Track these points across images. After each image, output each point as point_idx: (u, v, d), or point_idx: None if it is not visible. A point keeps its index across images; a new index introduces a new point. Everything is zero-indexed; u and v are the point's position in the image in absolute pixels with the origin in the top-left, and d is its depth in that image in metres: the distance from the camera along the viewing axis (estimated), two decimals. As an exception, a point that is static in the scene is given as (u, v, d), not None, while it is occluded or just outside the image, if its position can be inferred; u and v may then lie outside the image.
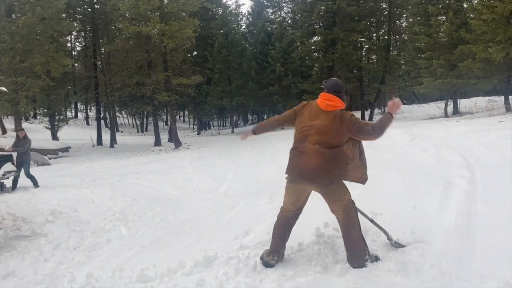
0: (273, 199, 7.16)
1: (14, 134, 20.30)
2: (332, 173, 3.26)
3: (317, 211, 5.19)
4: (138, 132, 45.09)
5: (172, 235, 5.87)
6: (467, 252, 3.43)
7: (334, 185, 3.30)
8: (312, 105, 3.53)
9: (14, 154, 10.48)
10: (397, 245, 3.72)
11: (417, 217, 4.40)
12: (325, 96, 3.44)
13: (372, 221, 3.92)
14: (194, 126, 48.93)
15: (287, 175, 3.52)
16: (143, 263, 4.33)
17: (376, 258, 3.45)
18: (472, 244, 3.57)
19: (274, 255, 3.55)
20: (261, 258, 3.63)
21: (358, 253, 3.35)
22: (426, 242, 3.71)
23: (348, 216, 3.37)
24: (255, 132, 4.04)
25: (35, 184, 10.20)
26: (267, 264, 3.54)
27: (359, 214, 3.64)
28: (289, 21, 42.28)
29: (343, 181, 3.40)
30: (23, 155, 10.37)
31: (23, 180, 11.35)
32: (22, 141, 10.46)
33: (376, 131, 3.27)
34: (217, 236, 5.23)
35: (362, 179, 3.53)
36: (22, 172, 10.23)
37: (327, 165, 3.22)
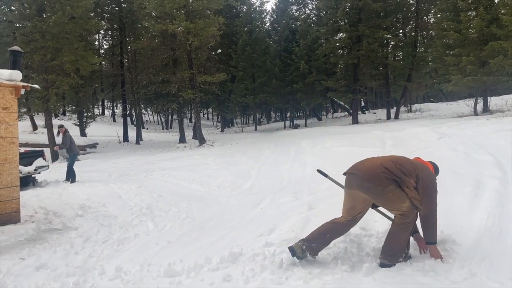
0: (297, 197, 7.15)
1: (45, 130, 20.91)
2: (386, 176, 3.28)
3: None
4: (163, 129, 45.73)
5: (198, 231, 5.94)
6: (498, 254, 3.35)
7: (386, 194, 3.26)
8: None
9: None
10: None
11: (446, 217, 4.32)
12: (422, 160, 3.74)
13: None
14: (218, 124, 49.24)
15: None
16: (170, 258, 4.41)
17: (408, 257, 3.42)
18: (503, 245, 3.49)
19: (305, 243, 3.50)
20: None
21: (395, 253, 3.32)
22: (455, 242, 3.65)
23: (404, 220, 3.32)
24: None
25: (69, 178, 10.57)
26: (292, 249, 3.50)
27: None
28: (313, 18, 41.95)
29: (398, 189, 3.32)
30: (69, 149, 10.98)
31: (54, 174, 11.71)
32: (63, 138, 11.05)
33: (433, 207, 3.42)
34: (242, 233, 5.26)
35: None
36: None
37: (385, 167, 3.32)
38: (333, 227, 3.56)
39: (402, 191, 3.26)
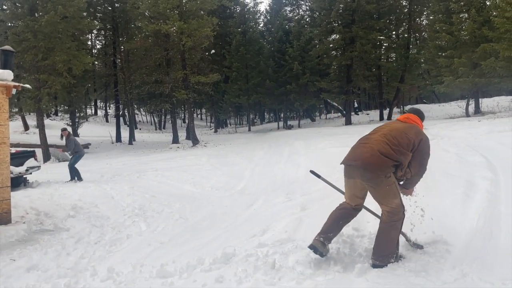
0: (291, 198, 7.16)
1: (36, 130, 20.75)
2: (386, 165, 3.30)
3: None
4: (156, 129, 45.57)
5: (191, 231, 5.92)
6: (489, 254, 3.38)
7: (383, 186, 3.31)
8: (391, 121, 3.85)
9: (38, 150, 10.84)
10: (415, 246, 3.69)
11: (438, 218, 4.35)
12: (406, 114, 3.77)
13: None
14: (211, 124, 49.16)
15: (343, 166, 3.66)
16: (163, 259, 4.39)
17: (399, 257, 3.44)
18: (494, 246, 3.52)
19: (322, 235, 3.52)
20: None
21: (386, 254, 3.34)
22: (447, 243, 3.68)
23: (392, 217, 3.35)
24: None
25: (76, 176, 10.76)
26: (313, 246, 3.48)
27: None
28: (307, 19, 42.04)
29: (395, 184, 3.41)
30: (73, 151, 11.11)
31: (46, 175, 11.63)
32: (67, 140, 11.17)
33: (422, 170, 3.56)
34: (235, 234, 5.26)
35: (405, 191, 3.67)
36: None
37: (383, 154, 3.31)
38: (343, 213, 3.60)
39: (396, 188, 3.38)
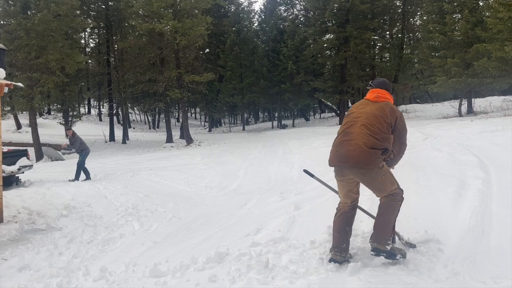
0: (284, 197, 7.17)
1: (29, 129, 20.60)
2: (376, 156, 3.27)
3: (329, 209, 5.19)
4: (150, 128, 45.41)
5: (184, 231, 5.91)
6: (481, 253, 3.40)
7: (379, 176, 3.31)
8: (361, 101, 3.69)
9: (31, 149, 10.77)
10: (408, 244, 3.70)
11: (431, 217, 4.38)
12: (373, 91, 3.64)
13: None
14: (206, 123, 49.06)
15: (333, 168, 3.58)
16: (156, 258, 4.38)
17: (403, 254, 3.33)
18: (486, 245, 3.55)
19: (336, 250, 3.46)
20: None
21: (383, 236, 3.29)
22: (439, 242, 3.70)
23: (391, 200, 3.36)
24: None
25: (76, 177, 10.83)
26: (332, 260, 3.44)
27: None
28: (301, 19, 42.10)
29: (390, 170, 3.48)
30: (79, 149, 11.17)
31: (38, 174, 11.55)
32: (72, 139, 11.25)
33: (403, 148, 3.61)
34: (229, 233, 5.25)
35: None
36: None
37: (370, 147, 3.27)
38: (343, 218, 3.55)
39: (391, 174, 3.40)
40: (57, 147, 18.47)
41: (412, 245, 3.67)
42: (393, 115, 3.42)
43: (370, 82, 3.80)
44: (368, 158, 3.24)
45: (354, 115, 3.54)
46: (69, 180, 10.69)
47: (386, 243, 3.27)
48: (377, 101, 3.54)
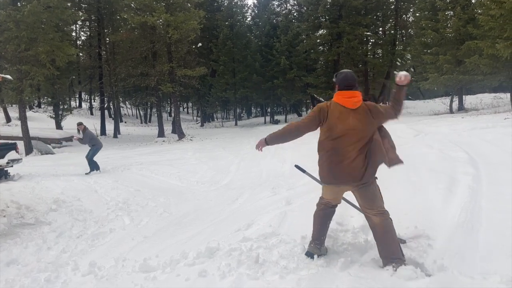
0: (276, 192, 7.16)
1: (19, 122, 20.37)
2: (374, 168, 3.22)
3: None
4: (141, 123, 45.15)
5: (175, 226, 5.89)
6: (470, 249, 3.42)
7: (373, 187, 3.25)
8: (334, 106, 3.27)
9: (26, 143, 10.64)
10: (398, 240, 3.71)
11: (421, 212, 4.40)
12: (347, 94, 3.25)
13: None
14: (198, 118, 48.91)
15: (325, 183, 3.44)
16: (146, 253, 4.36)
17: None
18: (475, 241, 3.57)
19: (317, 242, 3.51)
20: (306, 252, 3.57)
21: (396, 254, 3.15)
22: (429, 237, 3.71)
23: (385, 218, 3.23)
24: (268, 142, 3.60)
25: (94, 168, 11.05)
26: (309, 253, 3.48)
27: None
28: (295, 14, 42.00)
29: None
30: (90, 144, 11.33)
31: (27, 168, 11.44)
32: (83, 134, 11.40)
33: (396, 109, 3.22)
34: (220, 228, 5.24)
35: (397, 159, 3.32)
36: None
37: (370, 162, 3.19)
38: (325, 213, 3.54)
39: (380, 192, 3.31)
40: (38, 144, 18.31)
41: (402, 241, 3.68)
42: (373, 113, 3.20)
43: (334, 75, 3.46)
44: (368, 176, 3.19)
45: (338, 131, 3.20)
46: (86, 174, 10.83)
47: (401, 257, 3.16)
48: (356, 107, 3.21)
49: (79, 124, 11.72)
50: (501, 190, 4.76)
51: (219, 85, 33.26)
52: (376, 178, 3.30)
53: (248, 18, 46.89)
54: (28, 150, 17.90)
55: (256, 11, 48.65)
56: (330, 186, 3.42)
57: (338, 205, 3.63)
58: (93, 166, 11.11)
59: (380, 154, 3.23)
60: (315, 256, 3.44)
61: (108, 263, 4.20)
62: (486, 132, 9.39)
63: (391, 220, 3.27)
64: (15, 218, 6.27)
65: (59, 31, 19.91)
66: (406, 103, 35.19)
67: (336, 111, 3.23)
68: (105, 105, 31.36)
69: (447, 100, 26.03)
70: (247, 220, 5.18)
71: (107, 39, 28.47)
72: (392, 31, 30.88)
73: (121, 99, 35.63)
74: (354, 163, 3.16)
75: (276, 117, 37.27)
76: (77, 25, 36.03)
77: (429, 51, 22.66)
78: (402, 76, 3.12)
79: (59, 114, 26.11)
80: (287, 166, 10.22)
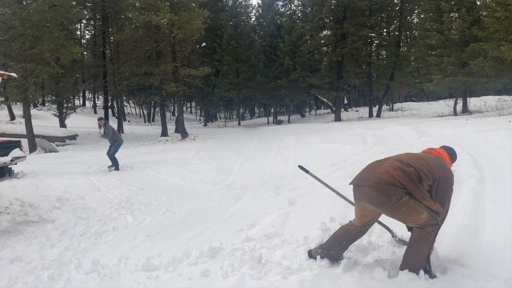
0: (279, 192, 7.17)
1: (23, 120, 20.44)
2: (394, 187, 2.83)
3: (323, 206, 5.21)
4: (145, 122, 45.23)
5: (178, 225, 5.90)
6: (474, 251, 3.41)
7: (399, 208, 2.87)
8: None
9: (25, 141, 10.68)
10: (401, 242, 3.71)
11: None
12: (435, 148, 3.31)
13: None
14: (201, 118, 48.95)
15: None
16: (149, 252, 4.37)
17: (433, 276, 3.03)
18: (479, 243, 3.55)
19: (324, 253, 3.35)
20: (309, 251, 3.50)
21: (415, 267, 2.99)
22: (432, 239, 3.69)
23: (422, 230, 2.95)
24: None
25: (114, 166, 11.04)
26: (310, 254, 3.43)
27: None
28: (299, 14, 42.02)
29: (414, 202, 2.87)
30: (111, 139, 11.33)
31: (31, 165, 11.47)
32: (104, 128, 11.34)
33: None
34: (223, 228, 5.24)
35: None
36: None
37: (394, 177, 2.86)
38: (348, 233, 3.35)
39: (416, 201, 2.84)
40: (41, 142, 18.35)
41: (405, 242, 3.66)
42: (442, 170, 2.96)
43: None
44: (388, 185, 2.84)
45: (397, 155, 3.22)
46: (109, 170, 10.91)
47: (418, 273, 2.98)
48: (431, 153, 3.20)
49: (100, 119, 11.70)
50: (505, 193, 4.74)
51: (222, 85, 33.28)
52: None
53: (252, 18, 47.02)
54: (32, 148, 17.95)
55: (261, 11, 48.68)
56: (354, 200, 3.26)
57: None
58: (115, 163, 11.12)
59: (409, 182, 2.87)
60: (318, 258, 3.37)
61: (111, 261, 4.21)
62: (490, 134, 9.36)
63: (434, 231, 2.97)
64: (19, 215, 6.29)
65: (64, 30, 19.95)
66: (410, 104, 35.16)
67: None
68: (109, 104, 31.43)
69: (451, 102, 25.93)
70: (250, 220, 5.19)
71: (112, 38, 28.55)
72: (397, 33, 30.85)
73: (124, 98, 35.70)
74: (381, 173, 2.97)
75: (279, 118, 37.25)
76: (82, 24, 36.18)
77: (433, 52, 22.59)
78: None
79: (63, 112, 26.16)
80: (290, 166, 10.21)
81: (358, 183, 3.11)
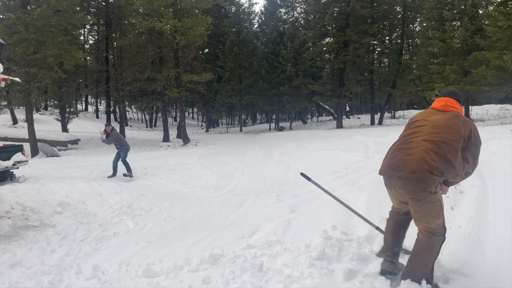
0: (280, 199, 7.15)
1: (25, 124, 20.51)
2: (432, 176, 2.77)
3: (324, 213, 5.18)
4: (147, 127, 45.27)
5: (179, 231, 5.88)
6: (476, 261, 3.39)
7: (427, 202, 2.84)
8: (425, 110, 3.28)
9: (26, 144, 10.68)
10: (403, 251, 3.68)
11: (426, 223, 4.35)
12: (440, 99, 3.20)
13: (377, 228, 3.90)
14: (203, 124, 48.99)
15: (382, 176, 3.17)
16: (149, 258, 4.35)
17: (434, 286, 3.02)
18: (481, 254, 3.53)
19: (388, 254, 3.21)
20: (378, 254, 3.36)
21: (417, 277, 2.92)
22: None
23: (430, 238, 2.92)
24: None
25: (128, 171, 10.89)
26: (383, 272, 3.18)
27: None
28: (301, 22, 42.16)
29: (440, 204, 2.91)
30: (119, 145, 11.25)
31: (33, 170, 11.48)
32: (110, 135, 11.36)
33: (475, 165, 3.14)
34: (224, 234, 5.22)
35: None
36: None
37: (429, 165, 2.77)
38: (399, 221, 3.27)
39: (440, 206, 2.89)
40: (43, 147, 18.38)
41: (407, 252, 3.65)
42: (466, 128, 2.92)
43: (437, 92, 3.41)
44: (423, 176, 2.78)
45: (417, 124, 3.09)
46: (124, 176, 10.80)
47: (420, 282, 2.91)
48: (445, 110, 3.09)
49: (107, 125, 11.73)
50: (508, 203, 4.72)
51: (224, 91, 33.34)
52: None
53: (255, 25, 47.13)
54: (34, 152, 17.98)
55: (263, 18, 48.88)
56: (386, 188, 3.20)
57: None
58: (128, 167, 11.07)
59: (445, 169, 2.85)
60: (388, 275, 3.12)
61: (112, 267, 4.20)
62: (492, 143, 9.31)
63: (440, 242, 2.94)
64: (20, 220, 6.29)
65: (67, 35, 20.07)
66: (412, 112, 35.12)
67: (425, 112, 3.29)
68: (111, 109, 31.51)
69: (453, 110, 25.89)
70: (251, 227, 5.17)
71: (115, 43, 28.66)
72: (399, 41, 30.90)
73: (127, 103, 35.76)
74: (415, 151, 2.91)
75: (281, 124, 37.27)
76: (86, 29, 36.35)
77: (435, 61, 22.63)
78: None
79: (65, 117, 26.23)
80: (291, 173, 10.20)
81: (391, 174, 3.00)
